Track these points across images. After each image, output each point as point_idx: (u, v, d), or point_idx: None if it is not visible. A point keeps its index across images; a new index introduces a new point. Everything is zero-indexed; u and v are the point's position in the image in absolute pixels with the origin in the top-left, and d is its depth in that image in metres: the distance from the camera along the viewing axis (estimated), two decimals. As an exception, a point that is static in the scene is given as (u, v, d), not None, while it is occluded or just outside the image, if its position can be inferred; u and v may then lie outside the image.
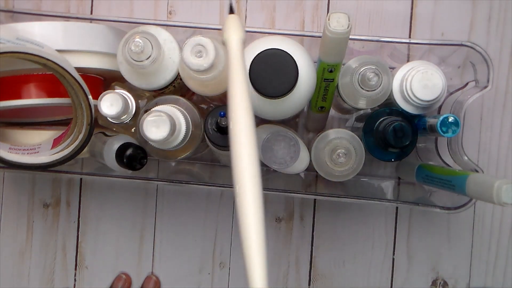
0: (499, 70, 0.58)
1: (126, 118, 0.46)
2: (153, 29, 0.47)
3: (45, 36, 0.45)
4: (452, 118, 0.45)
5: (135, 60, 0.43)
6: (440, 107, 0.53)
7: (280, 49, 0.40)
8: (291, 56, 0.39)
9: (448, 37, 0.59)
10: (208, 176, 0.61)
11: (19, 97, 0.46)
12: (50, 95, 0.47)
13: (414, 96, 0.46)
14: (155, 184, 0.62)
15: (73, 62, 0.46)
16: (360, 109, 0.52)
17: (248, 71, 0.39)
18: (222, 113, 0.43)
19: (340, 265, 0.61)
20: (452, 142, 0.50)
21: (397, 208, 0.60)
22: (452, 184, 0.45)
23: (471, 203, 0.48)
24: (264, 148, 0.45)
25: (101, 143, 0.49)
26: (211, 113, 0.45)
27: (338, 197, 0.53)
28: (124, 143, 0.47)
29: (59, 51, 0.46)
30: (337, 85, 0.47)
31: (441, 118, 0.45)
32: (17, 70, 0.45)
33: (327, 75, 0.44)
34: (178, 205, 0.62)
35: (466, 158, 0.48)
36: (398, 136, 0.46)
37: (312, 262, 0.61)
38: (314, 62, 0.44)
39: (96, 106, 0.45)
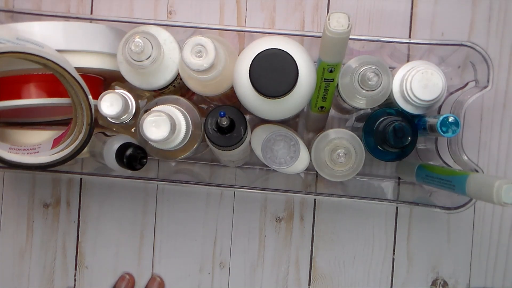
0: (499, 70, 0.58)
1: (126, 118, 0.46)
2: (153, 29, 0.47)
3: (45, 36, 0.45)
4: (452, 118, 0.45)
5: (135, 60, 0.43)
6: (440, 107, 0.53)
7: (280, 49, 0.40)
8: (291, 56, 0.39)
9: (448, 37, 0.59)
10: (208, 176, 0.61)
11: (19, 97, 0.46)
12: (50, 95, 0.47)
13: (414, 96, 0.46)
14: (155, 184, 0.62)
15: (73, 62, 0.46)
16: (360, 109, 0.52)
17: (248, 71, 0.39)
18: (222, 113, 0.42)
19: (340, 265, 0.61)
20: (452, 142, 0.50)
21: (397, 208, 0.60)
22: (452, 184, 0.45)
23: (471, 203, 0.48)
24: (264, 148, 0.45)
25: (101, 143, 0.49)
26: (211, 113, 0.45)
27: (338, 197, 0.53)
28: (124, 143, 0.47)
29: (59, 51, 0.46)
30: (337, 85, 0.47)
31: (441, 118, 0.45)
32: (17, 70, 0.45)
33: (327, 75, 0.44)
34: (178, 205, 0.62)
35: (466, 158, 0.48)
36: (398, 136, 0.46)
37: (312, 262, 0.61)
38: (314, 62, 0.44)
39: (96, 106, 0.45)
